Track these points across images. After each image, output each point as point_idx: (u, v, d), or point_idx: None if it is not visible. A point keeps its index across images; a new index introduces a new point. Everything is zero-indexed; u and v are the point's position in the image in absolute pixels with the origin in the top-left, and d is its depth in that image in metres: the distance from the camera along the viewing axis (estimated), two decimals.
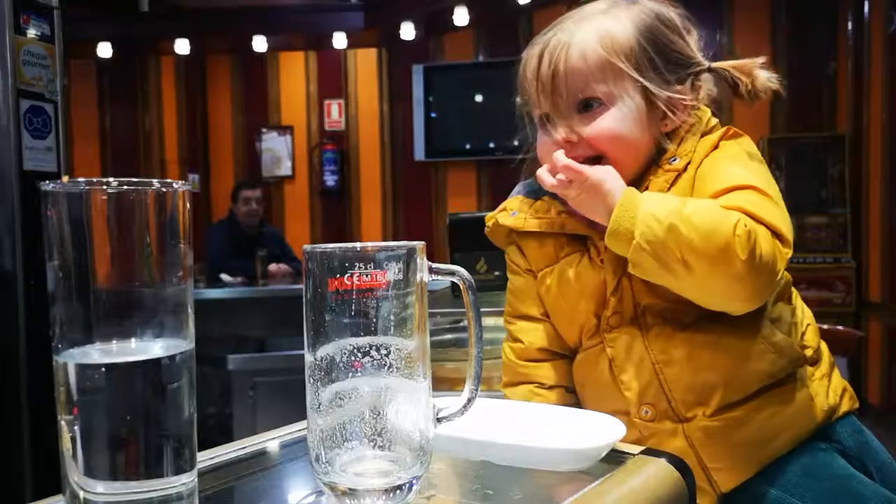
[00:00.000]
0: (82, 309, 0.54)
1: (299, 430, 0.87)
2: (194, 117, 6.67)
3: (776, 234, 0.92)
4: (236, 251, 4.77)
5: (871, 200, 4.44)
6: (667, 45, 1.05)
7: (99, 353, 0.54)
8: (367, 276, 0.59)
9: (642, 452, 0.76)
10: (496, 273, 1.95)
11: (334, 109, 6.57)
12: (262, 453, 0.82)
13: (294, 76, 6.63)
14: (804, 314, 1.08)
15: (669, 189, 1.02)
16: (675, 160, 1.03)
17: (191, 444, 0.58)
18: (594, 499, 0.65)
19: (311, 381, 0.62)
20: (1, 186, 1.75)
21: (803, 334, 1.04)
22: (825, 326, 2.03)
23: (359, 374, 0.60)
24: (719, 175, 0.99)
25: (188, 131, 6.63)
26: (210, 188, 6.68)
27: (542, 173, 1.03)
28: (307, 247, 0.61)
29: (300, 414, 0.76)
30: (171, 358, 0.56)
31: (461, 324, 1.98)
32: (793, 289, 1.07)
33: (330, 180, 6.48)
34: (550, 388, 1.11)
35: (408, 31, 5.84)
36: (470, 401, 0.67)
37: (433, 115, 6.06)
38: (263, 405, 3.55)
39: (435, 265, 0.65)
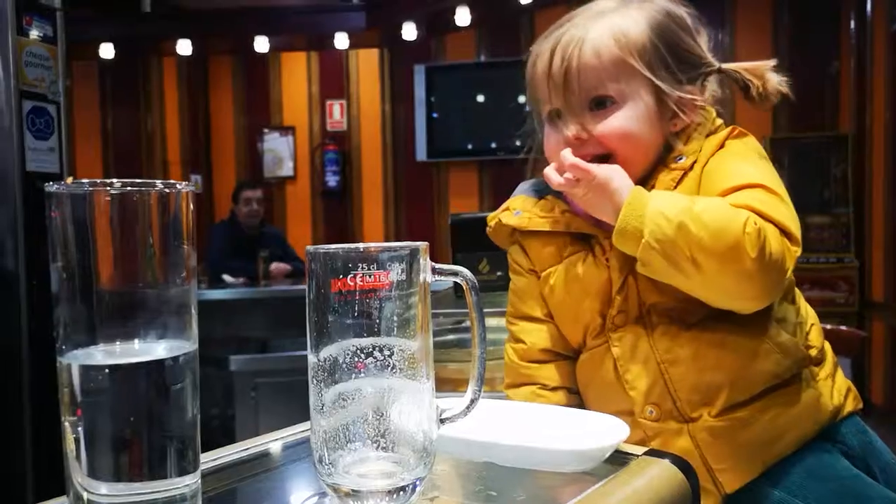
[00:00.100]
0: (86, 310, 0.54)
1: (302, 432, 0.87)
2: (196, 118, 6.67)
3: (785, 232, 0.92)
4: (237, 252, 4.78)
5: (874, 200, 4.43)
6: (678, 44, 1.05)
7: (102, 355, 0.54)
8: (370, 276, 0.59)
9: (646, 453, 0.76)
10: (498, 273, 1.94)
11: (336, 110, 6.57)
12: (265, 455, 0.82)
13: (296, 77, 6.63)
14: (808, 314, 1.08)
15: (675, 187, 1.02)
16: (681, 159, 1.03)
17: (194, 445, 0.58)
18: (598, 500, 0.65)
19: (315, 382, 0.62)
20: (3, 187, 1.76)
21: (807, 334, 1.04)
22: (828, 327, 2.03)
23: (362, 374, 0.60)
24: (727, 173, 0.99)
25: (190, 132, 6.64)
26: (212, 189, 6.69)
27: (549, 172, 1.03)
28: (310, 247, 0.61)
29: (302, 415, 0.76)
30: (175, 359, 0.56)
31: (463, 324, 1.98)
32: (796, 289, 1.07)
33: (332, 181, 6.49)
34: (553, 389, 1.11)
35: (409, 32, 5.84)
36: (473, 402, 0.66)
37: (435, 115, 6.06)
38: (265, 406, 3.55)
39: (438, 266, 0.65)
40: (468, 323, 0.78)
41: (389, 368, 0.60)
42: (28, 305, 1.77)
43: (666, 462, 0.73)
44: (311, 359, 0.62)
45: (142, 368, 0.55)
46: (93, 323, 0.54)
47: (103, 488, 0.54)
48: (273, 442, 0.85)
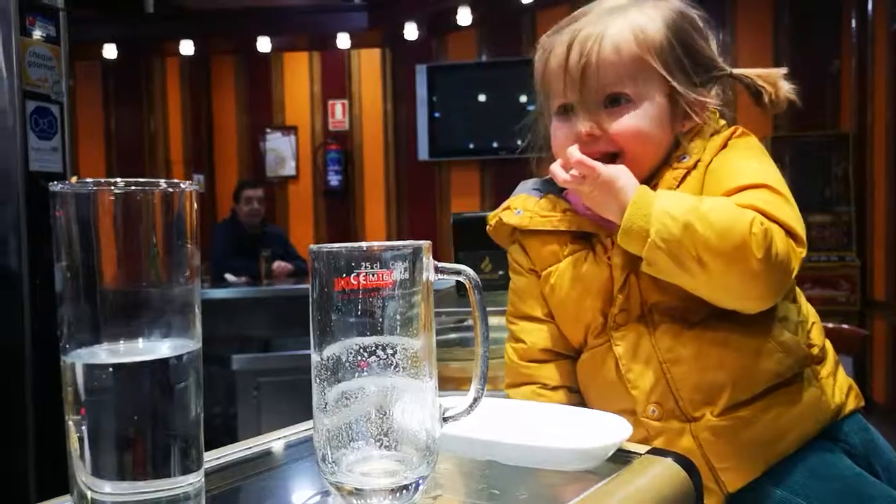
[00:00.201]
0: (90, 309, 0.54)
1: (305, 430, 0.87)
2: (199, 118, 6.68)
3: (790, 232, 0.92)
4: (240, 251, 4.78)
5: (876, 198, 4.43)
6: (693, 45, 1.05)
7: (106, 354, 0.54)
8: (373, 275, 0.59)
9: (649, 452, 0.76)
10: (500, 272, 1.94)
11: (338, 109, 6.57)
12: (268, 453, 0.82)
13: (298, 76, 6.64)
14: (809, 312, 1.08)
15: (678, 186, 1.02)
16: (684, 158, 1.04)
17: (198, 443, 0.58)
18: (600, 498, 0.65)
19: (318, 380, 0.62)
20: (7, 187, 1.76)
21: (809, 333, 1.04)
22: (830, 325, 2.03)
23: (365, 373, 0.60)
24: (732, 173, 0.99)
25: (193, 132, 6.65)
26: (215, 189, 6.69)
27: (556, 168, 1.03)
28: (313, 246, 0.61)
29: (304, 414, 0.76)
30: (179, 358, 0.56)
31: (465, 323, 1.98)
32: (797, 288, 1.07)
33: (334, 180, 6.49)
34: (554, 388, 1.11)
35: (411, 32, 5.84)
36: (476, 400, 0.67)
37: (437, 114, 6.06)
38: (268, 405, 3.56)
39: (441, 264, 0.65)
40: (470, 322, 0.78)
41: (392, 367, 0.60)
42: (31, 305, 1.78)
43: (669, 461, 0.73)
44: (315, 357, 0.62)
45: (145, 367, 0.55)
46: (97, 322, 0.54)
47: (107, 487, 0.54)
48: (276, 441, 0.85)
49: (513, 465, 0.75)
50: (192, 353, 0.57)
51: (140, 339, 0.55)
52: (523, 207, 1.13)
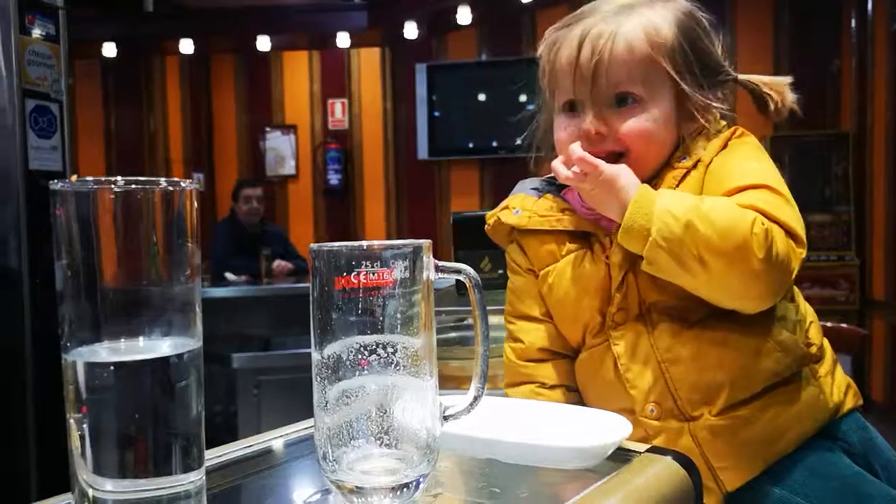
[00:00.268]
0: (91, 307, 0.54)
1: (305, 429, 0.87)
2: (199, 117, 6.68)
3: (790, 233, 0.92)
4: (240, 250, 4.78)
5: (875, 198, 4.43)
6: (702, 48, 1.05)
7: (107, 352, 0.54)
8: (373, 274, 0.60)
9: (648, 450, 0.76)
10: (500, 271, 1.94)
11: (338, 108, 6.57)
12: (268, 451, 0.82)
13: (298, 75, 6.64)
14: (807, 311, 1.08)
15: (678, 186, 1.02)
16: (685, 158, 1.04)
17: (198, 442, 0.58)
18: (600, 497, 0.65)
19: (318, 379, 0.62)
20: (7, 185, 1.76)
21: (807, 332, 1.04)
22: (829, 324, 2.03)
23: (365, 372, 0.60)
24: (732, 174, 0.99)
25: (192, 131, 6.65)
26: (215, 187, 6.69)
27: (557, 165, 1.03)
28: (314, 245, 0.61)
29: (304, 412, 0.76)
30: (180, 356, 0.56)
31: (465, 322, 1.98)
32: (794, 287, 1.07)
33: (333, 179, 6.50)
34: (552, 387, 1.11)
35: (411, 31, 5.85)
36: (476, 399, 0.67)
37: (436, 113, 6.06)
38: (268, 404, 3.56)
39: (441, 263, 0.65)
40: (470, 320, 0.78)
41: (393, 366, 0.61)
42: (31, 303, 1.78)
43: (668, 459, 0.74)
44: (315, 356, 0.62)
45: (146, 366, 0.55)
46: (97, 320, 0.54)
47: (108, 485, 0.54)
48: (277, 439, 0.85)
49: (513, 464, 0.75)
50: (193, 351, 0.57)
51: (141, 338, 0.55)
52: (522, 207, 1.13)
